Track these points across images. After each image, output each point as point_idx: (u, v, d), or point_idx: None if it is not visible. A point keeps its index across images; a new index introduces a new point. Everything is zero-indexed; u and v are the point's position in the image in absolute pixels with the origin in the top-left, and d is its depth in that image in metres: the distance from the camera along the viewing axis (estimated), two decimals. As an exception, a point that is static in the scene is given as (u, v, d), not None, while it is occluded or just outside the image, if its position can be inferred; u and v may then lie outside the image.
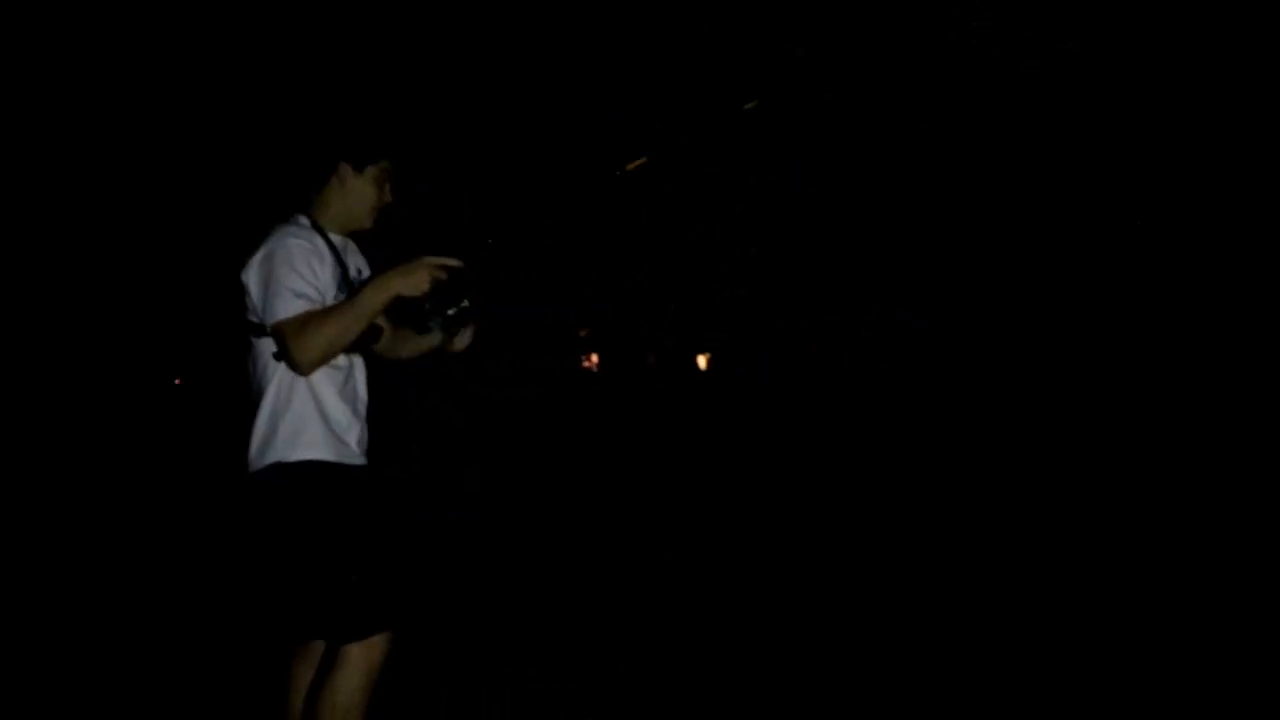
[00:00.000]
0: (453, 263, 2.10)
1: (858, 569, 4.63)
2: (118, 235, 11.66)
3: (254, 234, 2.14)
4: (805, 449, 8.58)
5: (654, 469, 8.29)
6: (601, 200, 11.69)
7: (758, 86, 9.46)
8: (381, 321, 2.22)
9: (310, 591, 2.16)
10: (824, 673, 3.22)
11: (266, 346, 2.09)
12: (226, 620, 3.93)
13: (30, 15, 7.87)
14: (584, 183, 11.48)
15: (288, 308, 2.00)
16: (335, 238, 2.23)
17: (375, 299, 2.05)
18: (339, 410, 2.15)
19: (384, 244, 2.37)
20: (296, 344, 1.98)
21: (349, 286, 2.18)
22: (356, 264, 2.30)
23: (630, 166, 10.90)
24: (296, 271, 2.04)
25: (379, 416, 2.31)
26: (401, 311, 2.18)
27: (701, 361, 12.34)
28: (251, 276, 2.08)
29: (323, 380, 2.12)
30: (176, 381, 15.31)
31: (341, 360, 2.16)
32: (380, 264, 2.23)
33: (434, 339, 2.31)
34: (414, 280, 2.07)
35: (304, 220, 2.18)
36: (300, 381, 2.10)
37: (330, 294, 2.11)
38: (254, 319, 2.09)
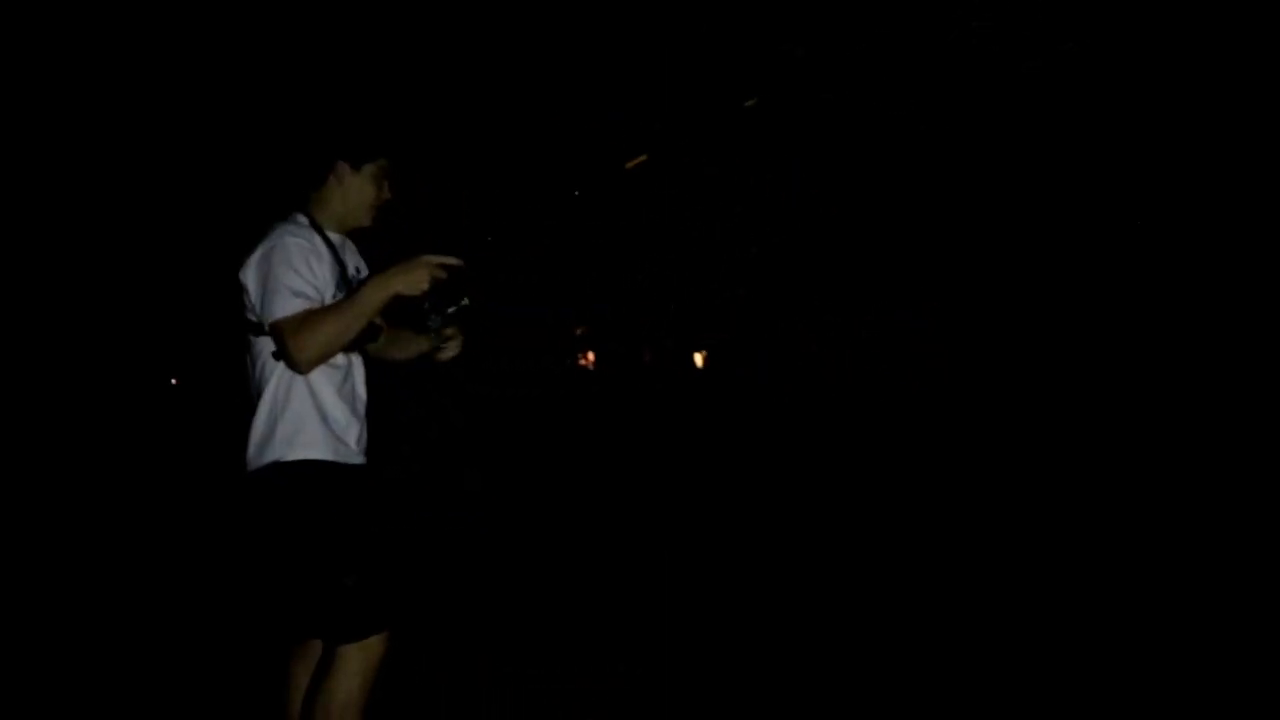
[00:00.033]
0: (452, 261, 2.09)
1: (858, 569, 4.62)
2: (115, 235, 11.65)
3: (252, 232, 2.13)
4: (805, 449, 8.57)
5: (653, 468, 8.28)
6: (601, 200, 11.69)
7: (758, 86, 9.47)
8: (379, 321, 2.21)
9: (307, 592, 2.15)
10: (824, 673, 3.22)
11: (265, 345, 2.08)
12: (226, 620, 3.92)
13: (30, 15, 7.86)
14: (584, 182, 11.48)
15: (286, 306, 1.99)
16: (333, 236, 2.22)
17: (374, 297, 2.04)
18: (338, 409, 2.14)
19: (383, 243, 2.37)
20: (295, 342, 1.97)
21: (348, 285, 2.17)
22: (354, 263, 2.29)
23: (631, 164, 10.91)
24: (295, 270, 2.02)
25: (375, 416, 2.30)
26: (401, 310, 2.17)
27: (698, 359, 12.35)
28: (250, 275, 2.06)
29: (321, 379, 2.11)
30: (173, 381, 15.31)
31: (340, 359, 2.15)
32: (379, 263, 2.22)
33: (423, 344, 2.31)
34: (413, 278, 2.06)
35: (302, 219, 2.17)
36: (299, 380, 2.09)
37: (329, 293, 2.10)
38: (252, 318, 2.08)
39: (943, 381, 9.19)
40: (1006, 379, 8.66)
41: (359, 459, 2.19)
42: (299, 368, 2.02)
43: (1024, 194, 8.65)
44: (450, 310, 2.19)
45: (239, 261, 2.10)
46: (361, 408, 2.24)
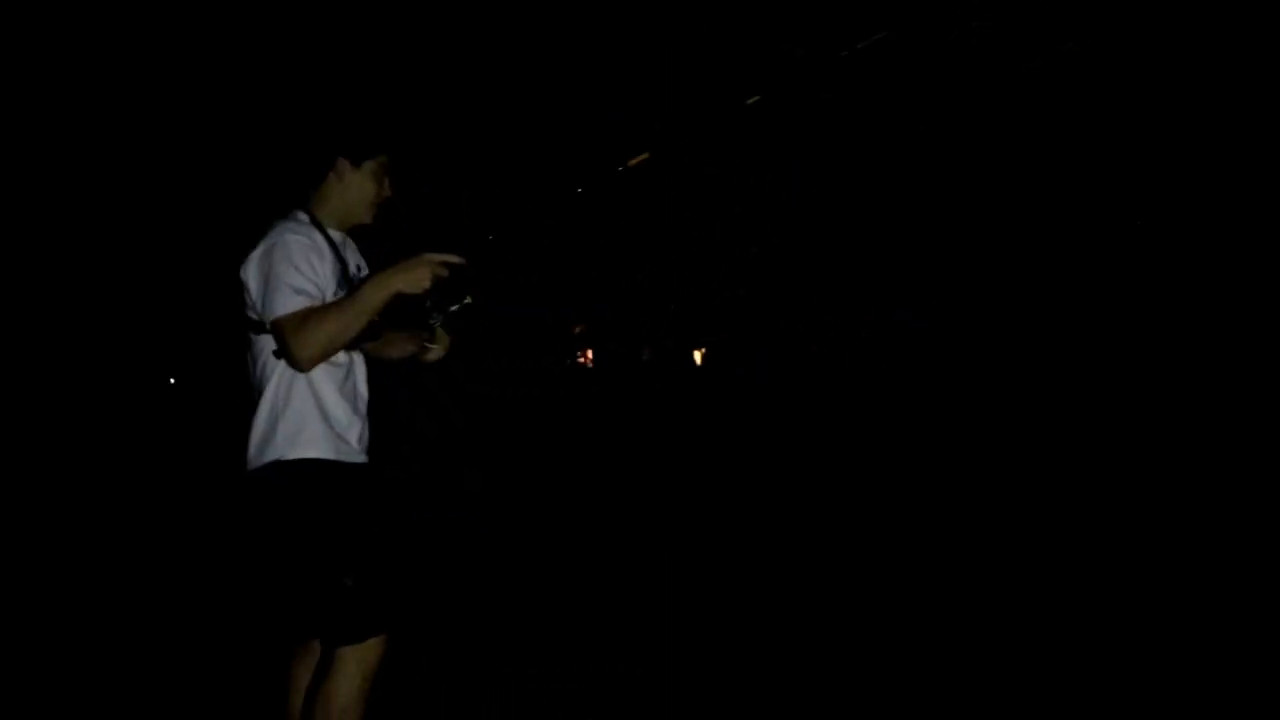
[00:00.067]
0: (454, 259, 2.08)
1: (857, 569, 4.62)
2: (115, 233, 11.64)
3: (253, 230, 2.12)
4: (805, 448, 8.57)
5: (653, 468, 8.28)
6: (601, 199, 11.69)
7: (758, 86, 9.47)
8: (379, 319, 2.20)
9: (306, 593, 2.15)
10: (824, 673, 3.21)
11: (266, 343, 2.07)
12: (226, 620, 3.92)
13: (30, 13, 7.86)
14: (584, 182, 11.48)
15: (287, 304, 1.98)
16: (334, 233, 2.21)
17: (376, 296, 2.02)
18: (339, 408, 2.13)
19: (383, 241, 2.36)
20: (296, 340, 1.96)
21: (349, 283, 2.16)
22: (355, 260, 2.28)
23: (633, 162, 10.91)
24: (296, 267, 2.01)
25: (376, 415, 2.29)
26: (402, 309, 2.16)
27: (697, 356, 12.36)
28: (251, 273, 2.05)
29: (323, 377, 2.10)
30: (171, 380, 15.30)
31: (341, 357, 2.14)
32: (379, 262, 2.21)
33: (409, 344, 2.31)
34: (415, 277, 2.04)
35: (303, 216, 2.16)
36: (300, 379, 2.08)
37: (330, 290, 2.09)
38: (253, 315, 2.07)
39: (943, 381, 9.19)
40: (1006, 379, 8.66)
41: (361, 458, 2.18)
42: (300, 366, 2.00)
43: (1024, 194, 8.65)
44: (453, 309, 2.18)
45: (239, 259, 2.09)
46: (363, 406, 2.23)
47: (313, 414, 2.09)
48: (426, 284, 2.06)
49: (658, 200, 11.21)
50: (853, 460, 7.89)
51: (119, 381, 13.21)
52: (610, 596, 4.30)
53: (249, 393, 2.14)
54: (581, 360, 13.69)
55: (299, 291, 1.99)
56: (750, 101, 9.42)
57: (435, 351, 2.30)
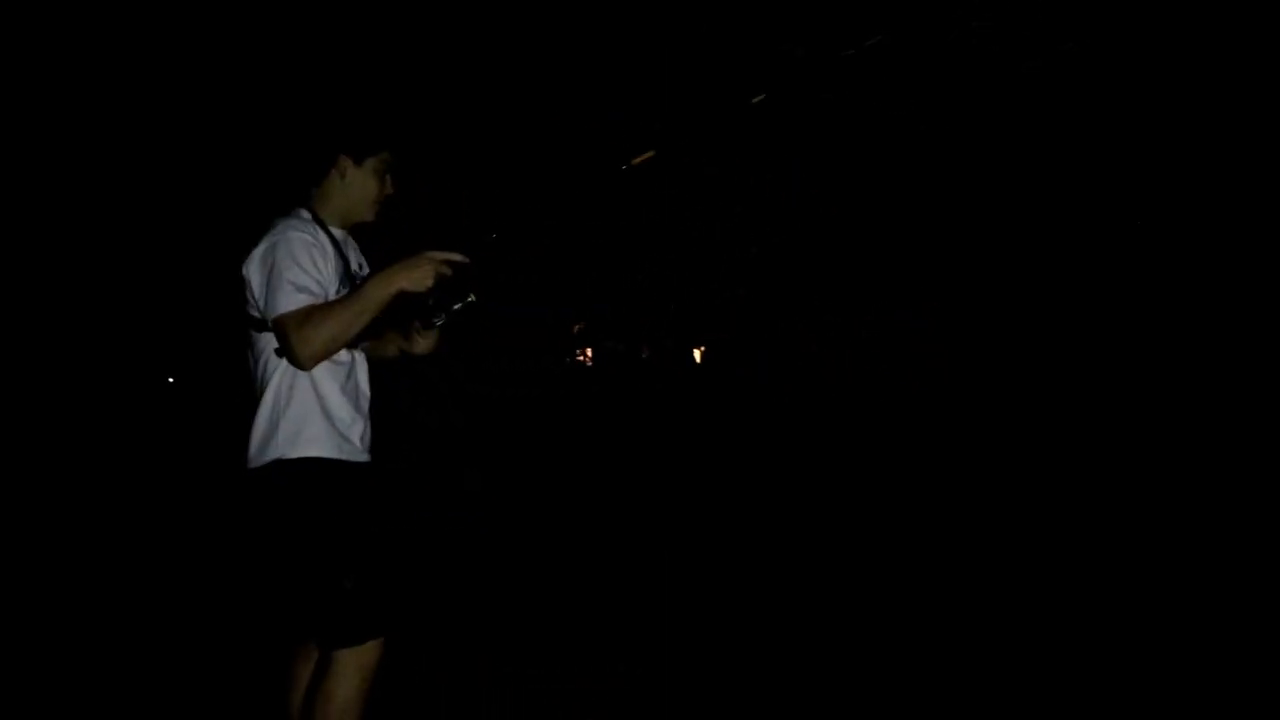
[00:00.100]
0: (457, 257, 2.08)
1: (857, 569, 4.62)
2: (117, 231, 11.63)
3: (254, 228, 2.11)
4: (805, 448, 8.56)
5: (653, 468, 8.27)
6: (601, 199, 11.68)
7: (758, 86, 9.46)
8: (381, 317, 2.19)
9: (305, 594, 2.14)
10: (824, 673, 3.21)
11: (268, 341, 2.06)
12: (226, 620, 3.91)
13: (30, 11, 7.85)
14: (584, 182, 11.47)
15: (289, 301, 1.97)
16: (336, 231, 2.20)
17: (378, 294, 2.01)
18: (341, 406, 2.13)
19: (384, 240, 2.35)
20: (298, 338, 1.95)
21: (351, 281, 2.15)
22: (357, 259, 2.27)
23: (636, 161, 10.90)
24: (298, 265, 2.01)
25: (378, 414, 2.28)
26: (404, 307, 2.15)
27: (696, 356, 12.36)
28: (252, 270, 2.05)
29: (325, 376, 2.10)
30: (170, 380, 15.28)
31: (344, 355, 2.13)
32: (380, 261, 2.20)
33: (399, 342, 2.30)
34: (418, 275, 2.04)
35: (304, 213, 2.16)
36: (302, 377, 2.07)
37: (332, 288, 2.08)
38: (255, 313, 2.07)
39: (943, 381, 9.19)
40: (1006, 379, 8.66)
41: (363, 456, 2.18)
42: (302, 364, 2.00)
43: (1024, 194, 8.65)
44: (456, 307, 2.17)
45: (241, 256, 2.08)
46: (365, 404, 2.22)
47: (315, 413, 2.08)
48: (429, 282, 2.05)
49: (658, 200, 11.20)
50: (852, 460, 7.89)
51: (118, 380, 13.20)
52: (610, 596, 4.30)
53: (250, 391, 2.13)
54: (581, 359, 13.69)
55: (301, 289, 1.98)
56: (755, 101, 9.42)
57: (423, 344, 2.29)
